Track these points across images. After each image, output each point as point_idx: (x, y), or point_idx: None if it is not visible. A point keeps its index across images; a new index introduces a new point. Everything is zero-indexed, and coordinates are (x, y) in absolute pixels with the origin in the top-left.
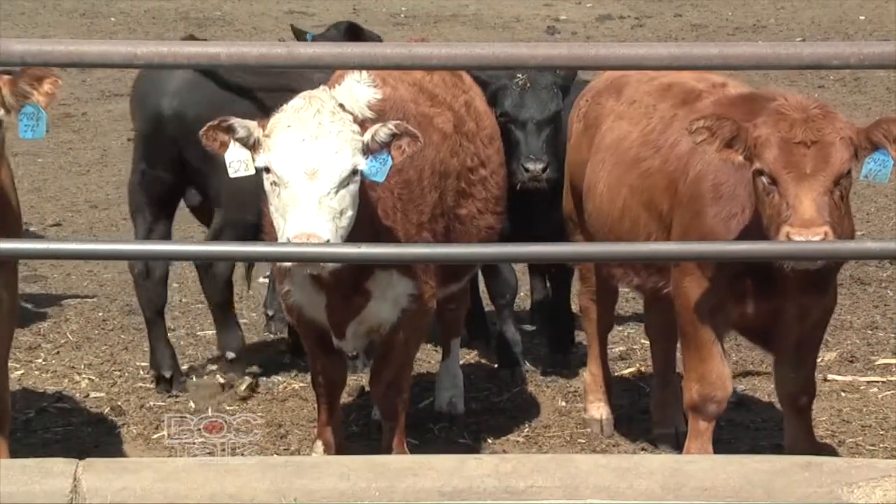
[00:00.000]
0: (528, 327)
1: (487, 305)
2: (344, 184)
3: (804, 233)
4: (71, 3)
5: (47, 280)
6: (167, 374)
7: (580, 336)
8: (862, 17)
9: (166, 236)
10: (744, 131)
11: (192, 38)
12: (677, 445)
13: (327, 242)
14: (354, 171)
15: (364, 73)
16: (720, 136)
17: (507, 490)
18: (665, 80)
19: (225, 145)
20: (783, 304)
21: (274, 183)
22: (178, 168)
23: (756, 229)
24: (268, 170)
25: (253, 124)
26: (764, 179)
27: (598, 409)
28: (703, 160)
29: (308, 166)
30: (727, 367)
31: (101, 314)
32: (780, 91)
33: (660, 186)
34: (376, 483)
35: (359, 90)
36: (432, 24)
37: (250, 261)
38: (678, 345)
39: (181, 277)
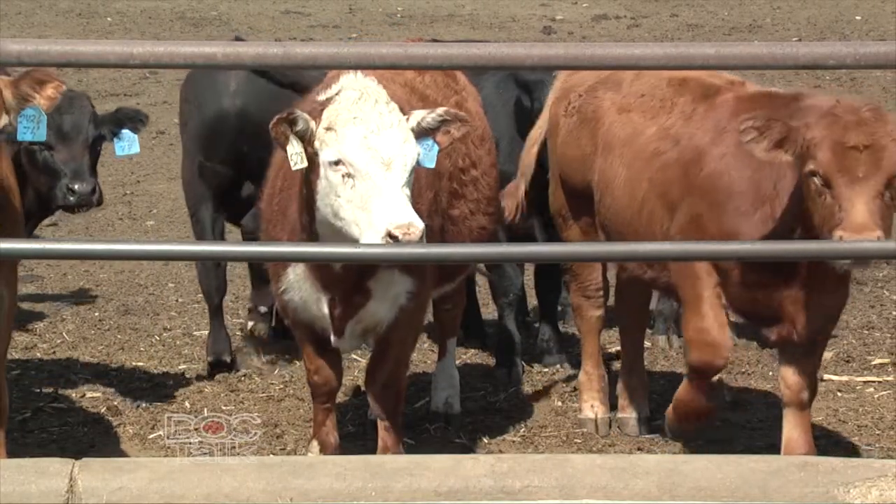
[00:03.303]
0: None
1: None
2: (412, 172)
3: (857, 237)
4: (67, 3)
5: (43, 280)
6: (227, 360)
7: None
8: (858, 17)
9: (223, 228)
10: (795, 132)
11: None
12: (639, 431)
13: (423, 231)
14: (416, 160)
15: (360, 73)
16: (770, 137)
17: (503, 490)
18: (676, 74)
19: (288, 138)
20: (795, 295)
21: (348, 175)
22: (236, 162)
23: (801, 221)
24: (338, 162)
25: (308, 117)
26: (817, 181)
27: (594, 409)
28: (720, 156)
29: (384, 157)
30: (726, 329)
31: (97, 314)
32: (804, 90)
33: (674, 177)
34: (372, 483)
35: None
36: (428, 24)
37: (250, 261)
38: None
39: (177, 277)
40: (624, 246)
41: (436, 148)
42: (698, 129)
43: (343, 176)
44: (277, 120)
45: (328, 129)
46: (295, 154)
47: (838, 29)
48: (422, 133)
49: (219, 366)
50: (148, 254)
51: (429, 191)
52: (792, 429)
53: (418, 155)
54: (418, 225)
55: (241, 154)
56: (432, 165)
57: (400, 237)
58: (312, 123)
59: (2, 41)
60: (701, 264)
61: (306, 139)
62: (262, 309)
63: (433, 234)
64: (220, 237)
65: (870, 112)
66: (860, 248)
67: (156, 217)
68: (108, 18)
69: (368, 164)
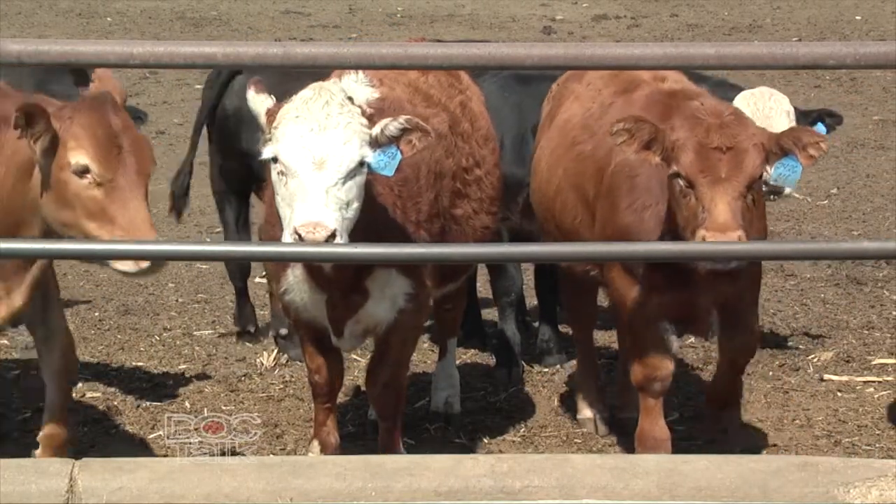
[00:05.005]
0: None
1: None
2: (351, 175)
3: (719, 237)
4: (67, 2)
5: None
6: (251, 329)
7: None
8: (858, 17)
9: (248, 220)
10: (661, 134)
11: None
12: None
13: (333, 232)
14: (362, 163)
15: (361, 73)
16: (638, 139)
17: (503, 490)
18: None
19: None
20: (697, 294)
21: (281, 173)
22: (245, 159)
23: (668, 222)
24: (275, 159)
25: (263, 108)
26: (681, 182)
27: (591, 408)
28: (623, 155)
29: (316, 156)
30: (665, 347)
31: (97, 314)
32: (699, 90)
33: (588, 172)
34: (372, 483)
35: (357, 90)
36: (428, 24)
37: (250, 261)
38: None
39: (177, 277)
40: (623, 246)
41: (399, 156)
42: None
43: (278, 173)
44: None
45: (275, 126)
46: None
47: (838, 29)
48: (386, 141)
49: (244, 335)
50: (147, 254)
51: (429, 191)
52: (721, 381)
53: (367, 159)
54: (327, 225)
55: (247, 153)
56: (391, 174)
57: (303, 236)
58: (263, 117)
59: (2, 41)
60: (622, 286)
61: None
62: (283, 332)
63: (433, 234)
64: (245, 229)
65: (732, 115)
66: (860, 247)
67: (156, 217)
68: (108, 18)
69: (298, 163)
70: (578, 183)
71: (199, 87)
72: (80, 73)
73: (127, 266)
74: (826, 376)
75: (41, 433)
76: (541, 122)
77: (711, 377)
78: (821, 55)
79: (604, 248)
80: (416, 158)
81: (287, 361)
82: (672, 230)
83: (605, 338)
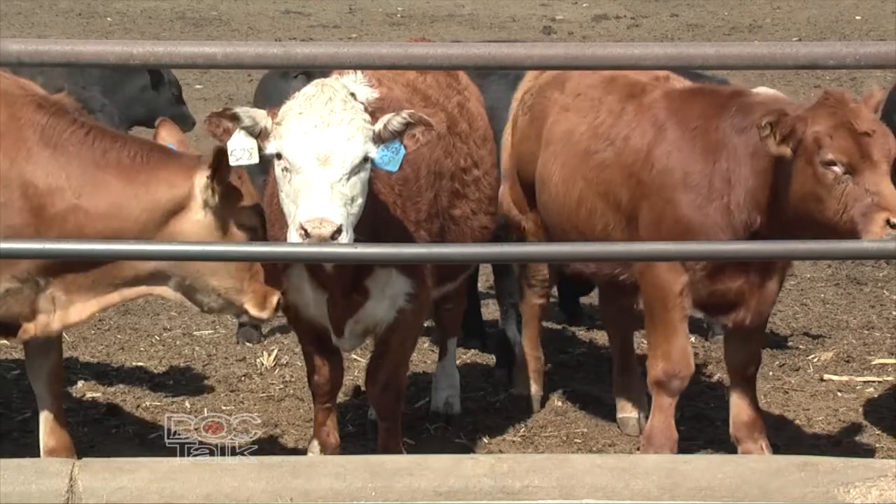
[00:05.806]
0: None
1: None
2: (355, 171)
3: None
4: (67, 3)
5: None
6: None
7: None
8: (858, 17)
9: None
10: (797, 127)
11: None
12: (639, 430)
13: (339, 227)
14: (366, 159)
15: (360, 73)
16: (780, 132)
17: (503, 490)
18: (606, 73)
19: (229, 132)
20: (752, 281)
21: (285, 169)
22: None
23: (763, 215)
24: (279, 156)
25: (261, 114)
26: (836, 169)
27: (528, 387)
28: (667, 153)
29: (320, 152)
30: (689, 346)
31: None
32: (740, 86)
33: (617, 178)
34: (372, 483)
35: (356, 89)
36: (428, 24)
37: (250, 261)
38: (636, 331)
39: None
40: (624, 246)
41: (402, 151)
42: (635, 129)
43: (283, 170)
44: (213, 115)
45: (277, 123)
46: (239, 149)
47: (838, 29)
48: (389, 136)
49: (245, 331)
50: (148, 254)
51: (429, 191)
52: (740, 402)
53: (371, 155)
54: (332, 220)
55: None
56: (395, 169)
57: (309, 231)
58: (265, 119)
59: (2, 41)
60: (668, 277)
61: (256, 134)
62: None
63: (432, 234)
64: None
65: (854, 102)
66: (860, 247)
67: None
68: (108, 18)
69: (303, 159)
70: (606, 190)
71: (199, 87)
72: (156, 73)
73: (267, 314)
74: (826, 376)
75: (45, 447)
76: (518, 132)
77: (710, 380)
78: (821, 55)
79: (603, 249)
80: (416, 158)
81: (287, 361)
82: (759, 224)
83: (604, 338)
